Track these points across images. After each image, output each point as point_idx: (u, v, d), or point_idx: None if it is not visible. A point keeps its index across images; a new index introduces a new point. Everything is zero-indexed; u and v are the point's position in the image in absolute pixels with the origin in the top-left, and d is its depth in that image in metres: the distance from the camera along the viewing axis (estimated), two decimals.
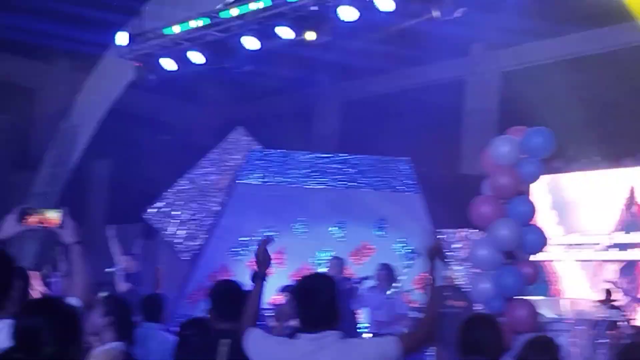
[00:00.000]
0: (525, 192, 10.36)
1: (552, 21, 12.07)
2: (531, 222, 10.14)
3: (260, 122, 14.33)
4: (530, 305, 8.99)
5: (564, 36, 12.87)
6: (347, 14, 11.60)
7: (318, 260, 13.94)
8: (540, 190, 11.10)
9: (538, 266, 10.20)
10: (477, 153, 13.04)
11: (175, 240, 14.40)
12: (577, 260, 13.00)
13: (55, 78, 14.59)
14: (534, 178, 10.23)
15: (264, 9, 11.92)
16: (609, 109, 12.38)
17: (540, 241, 10.16)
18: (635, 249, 12.45)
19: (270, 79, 13.36)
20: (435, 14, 11.52)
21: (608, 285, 11.67)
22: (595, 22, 12.10)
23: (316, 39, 12.00)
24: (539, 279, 10.43)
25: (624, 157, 12.56)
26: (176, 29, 12.53)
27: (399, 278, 13.15)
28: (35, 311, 3.52)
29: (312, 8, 11.84)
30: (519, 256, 10.08)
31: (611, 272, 12.62)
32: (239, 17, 12.13)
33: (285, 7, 11.85)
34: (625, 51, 12.31)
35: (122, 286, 10.64)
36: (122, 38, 12.74)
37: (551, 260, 12.90)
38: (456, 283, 13.13)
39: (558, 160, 11.62)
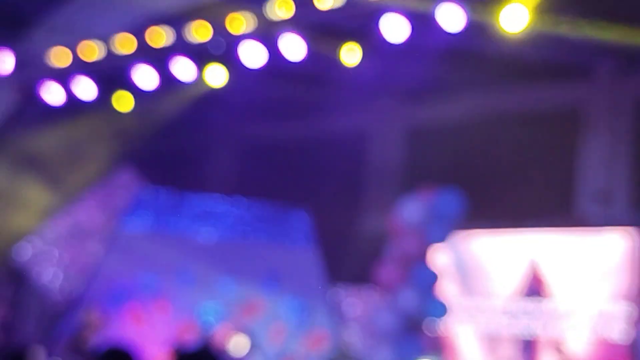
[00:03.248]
0: (427, 256, 10.24)
1: (461, 79, 12.02)
2: (434, 289, 10.02)
3: (151, 160, 13.77)
4: None
5: (474, 93, 12.84)
6: (252, 59, 11.17)
7: (205, 311, 13.43)
8: (441, 251, 11.03)
9: (438, 335, 10.11)
10: (379, 209, 13.11)
11: (49, 285, 13.59)
12: (475, 326, 12.93)
13: None
14: (442, 240, 10.14)
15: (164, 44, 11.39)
16: (517, 171, 12.37)
17: (442, 308, 10.06)
18: (534, 317, 12.44)
19: (165, 115, 12.91)
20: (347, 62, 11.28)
21: None
22: (507, 81, 12.08)
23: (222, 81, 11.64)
24: (437, 348, 10.28)
25: (528, 220, 12.60)
26: (65, 55, 11.81)
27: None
28: None
29: (216, 46, 11.39)
30: (420, 323, 9.93)
31: (508, 341, 12.56)
32: (134, 49, 11.58)
33: (187, 43, 11.35)
34: (536, 113, 12.35)
35: None
36: (4, 60, 11.98)
37: (448, 326, 12.79)
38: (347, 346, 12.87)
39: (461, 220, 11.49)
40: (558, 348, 11.36)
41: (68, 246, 13.74)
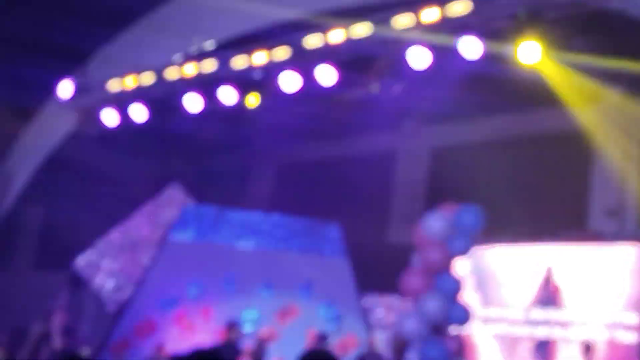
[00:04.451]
0: (451, 266, 10.82)
1: (482, 101, 12.56)
2: (458, 297, 10.61)
3: (196, 178, 14.46)
4: None
5: (493, 116, 13.39)
6: (289, 83, 11.95)
7: (244, 318, 14.07)
8: (461, 263, 11.50)
9: (462, 341, 10.61)
10: (405, 223, 13.59)
11: (103, 291, 14.36)
12: (493, 335, 13.40)
13: None
14: (464, 253, 10.71)
15: (209, 72, 12.21)
16: (533, 189, 12.90)
17: (466, 315, 10.61)
18: (550, 326, 12.94)
19: (210, 137, 13.57)
20: (374, 88, 12.02)
21: None
22: (524, 105, 12.61)
23: (257, 104, 12.37)
24: (460, 352, 10.83)
25: (544, 235, 13.09)
26: (120, 83, 12.70)
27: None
28: None
29: (256, 74, 12.19)
30: (445, 329, 10.52)
31: (526, 349, 13.06)
32: (184, 76, 12.40)
33: (230, 71, 12.15)
34: (551, 135, 12.89)
35: (58, 342, 10.57)
36: (65, 88, 12.84)
37: (469, 334, 13.25)
38: (377, 350, 13.44)
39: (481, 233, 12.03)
40: (587, 347, 11.74)
41: (119, 256, 14.49)
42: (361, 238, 13.96)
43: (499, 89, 11.89)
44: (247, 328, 13.76)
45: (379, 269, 13.71)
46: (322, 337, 12.79)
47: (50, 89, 13.09)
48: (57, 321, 10.94)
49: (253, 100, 12.54)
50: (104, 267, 14.42)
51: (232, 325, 11.94)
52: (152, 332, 13.85)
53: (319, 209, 14.30)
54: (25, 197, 14.70)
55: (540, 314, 13.09)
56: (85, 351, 12.38)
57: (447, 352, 10.31)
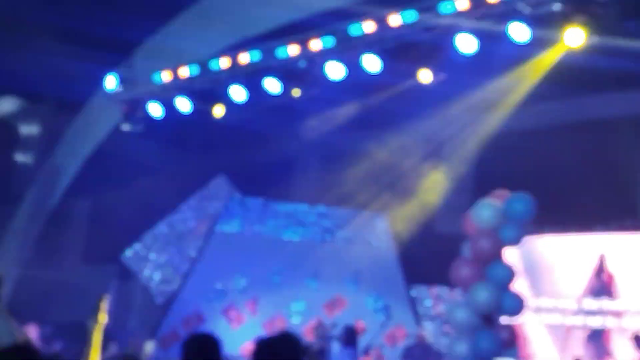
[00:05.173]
0: (501, 255, 10.65)
1: (532, 90, 12.37)
2: (509, 286, 10.43)
3: (242, 170, 14.47)
4: None
5: (542, 103, 13.19)
6: (334, 72, 11.83)
7: (292, 310, 14.09)
8: (511, 252, 11.34)
9: (514, 331, 10.43)
10: (453, 212, 13.46)
11: (151, 284, 14.46)
12: (546, 325, 13.23)
13: (41, 115, 14.68)
14: (515, 242, 10.52)
15: (254, 62, 12.13)
16: (584, 177, 12.68)
17: (518, 305, 10.42)
18: (603, 316, 12.74)
19: (255, 129, 13.55)
20: (424, 77, 11.86)
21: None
22: (574, 91, 12.40)
23: (302, 94, 12.28)
24: (512, 343, 10.65)
25: (596, 225, 12.88)
26: (165, 75, 12.69)
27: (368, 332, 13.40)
28: None
29: (300, 64, 12.10)
30: (496, 320, 10.34)
31: (579, 338, 12.87)
32: (228, 67, 12.35)
33: (274, 62, 12.08)
34: (603, 121, 12.66)
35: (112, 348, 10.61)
36: (110, 81, 12.89)
37: (521, 324, 13.10)
38: (426, 342, 13.36)
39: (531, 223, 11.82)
40: (637, 337, 11.42)
41: (166, 249, 14.57)
42: (408, 228, 13.84)
43: (549, 74, 11.69)
44: (295, 320, 13.80)
45: (427, 259, 13.60)
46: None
47: (96, 82, 13.13)
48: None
49: (300, 92, 12.44)
50: (151, 260, 14.52)
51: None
52: (200, 323, 13.95)
53: (366, 199, 14.19)
54: (72, 191, 14.81)
55: (593, 303, 12.90)
56: (148, 346, 12.36)
57: (499, 343, 10.15)
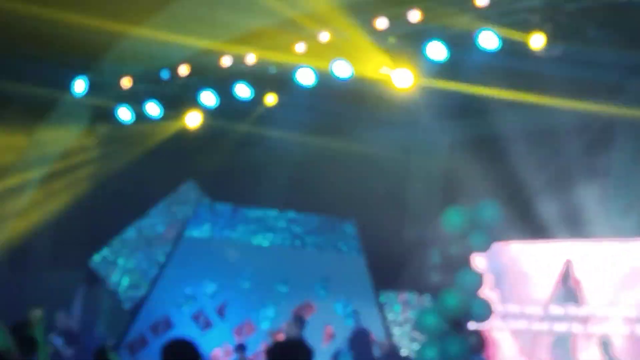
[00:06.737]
0: (470, 261, 10.75)
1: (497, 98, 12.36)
2: (478, 292, 10.55)
3: (210, 175, 14.44)
4: None
5: (510, 110, 13.19)
6: (304, 78, 11.83)
7: (261, 315, 14.09)
8: (478, 258, 11.45)
9: (483, 336, 10.54)
10: (421, 219, 13.48)
11: (119, 289, 14.39)
12: (512, 330, 13.33)
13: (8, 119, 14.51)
14: (483, 249, 10.66)
15: (224, 68, 12.12)
16: (548, 185, 12.73)
17: (486, 311, 10.56)
18: (569, 322, 12.85)
19: (223, 134, 13.54)
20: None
21: None
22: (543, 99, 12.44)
23: (275, 101, 12.30)
24: (481, 348, 10.76)
25: (561, 231, 12.97)
26: (134, 80, 12.65)
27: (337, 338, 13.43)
28: None
29: (271, 71, 12.11)
30: (465, 325, 10.47)
31: (545, 344, 12.99)
32: (197, 72, 12.34)
33: (244, 67, 12.07)
34: (565, 130, 12.74)
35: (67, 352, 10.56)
36: (79, 85, 12.81)
37: (488, 329, 13.18)
38: (394, 347, 13.45)
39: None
40: (604, 343, 11.49)
41: (134, 254, 14.50)
42: (377, 234, 13.88)
43: (517, 82, 11.74)
44: (264, 325, 13.81)
45: (396, 265, 13.73)
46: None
47: (65, 86, 13.03)
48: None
49: (271, 99, 12.45)
50: (119, 265, 14.46)
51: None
52: (169, 329, 13.92)
53: (335, 205, 14.20)
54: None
55: (559, 309, 13.01)
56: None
57: (468, 348, 10.28)
